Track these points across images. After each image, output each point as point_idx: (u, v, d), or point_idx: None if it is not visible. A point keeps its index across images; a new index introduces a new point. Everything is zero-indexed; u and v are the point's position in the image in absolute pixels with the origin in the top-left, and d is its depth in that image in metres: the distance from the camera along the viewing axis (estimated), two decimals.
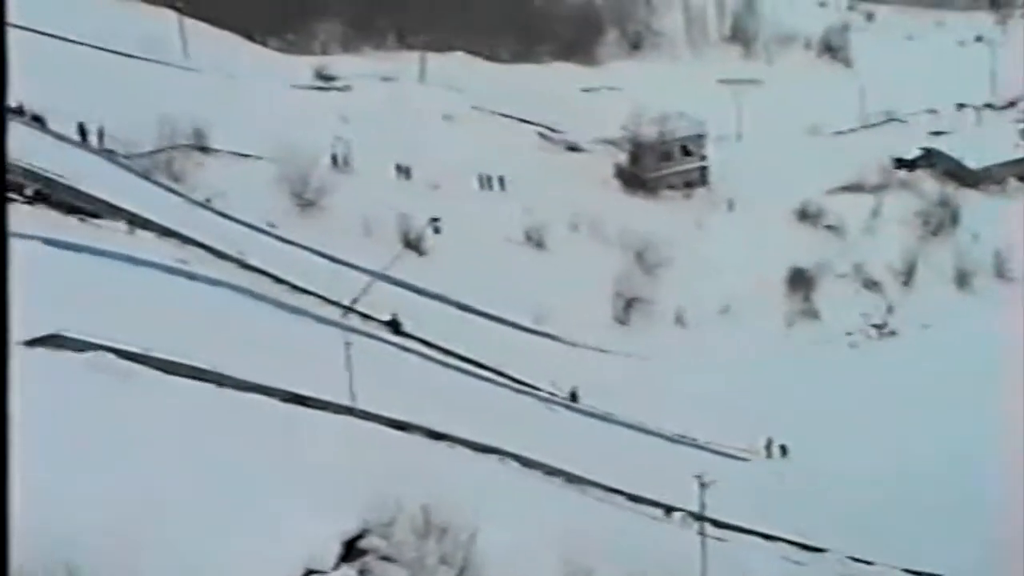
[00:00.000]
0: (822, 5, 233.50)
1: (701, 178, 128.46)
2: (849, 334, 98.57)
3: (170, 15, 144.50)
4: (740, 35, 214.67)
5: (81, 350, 45.47)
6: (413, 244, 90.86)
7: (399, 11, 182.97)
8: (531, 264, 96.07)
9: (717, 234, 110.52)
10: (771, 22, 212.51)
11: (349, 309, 74.99)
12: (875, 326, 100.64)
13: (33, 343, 44.84)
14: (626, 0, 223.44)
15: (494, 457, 55.40)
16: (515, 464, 56.09)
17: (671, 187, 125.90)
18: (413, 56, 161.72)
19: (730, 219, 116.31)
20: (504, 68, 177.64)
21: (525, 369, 76.16)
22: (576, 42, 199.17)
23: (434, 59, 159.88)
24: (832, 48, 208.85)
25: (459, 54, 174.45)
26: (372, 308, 75.97)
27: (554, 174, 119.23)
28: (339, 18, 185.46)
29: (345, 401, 51.12)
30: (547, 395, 74.64)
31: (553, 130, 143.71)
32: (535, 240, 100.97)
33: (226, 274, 70.80)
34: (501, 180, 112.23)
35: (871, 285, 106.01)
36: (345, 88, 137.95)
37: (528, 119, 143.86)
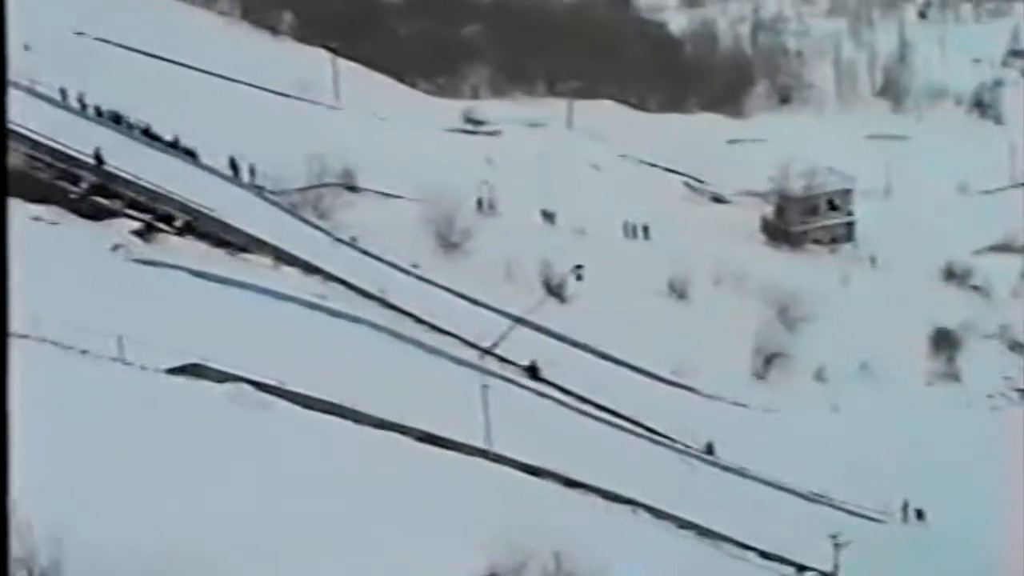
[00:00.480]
0: (976, 61, 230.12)
1: (847, 234, 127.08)
2: (991, 397, 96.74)
3: (324, 55, 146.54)
4: (891, 90, 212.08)
5: (221, 380, 46.14)
6: (555, 290, 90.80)
7: (549, 58, 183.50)
8: (672, 315, 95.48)
9: (861, 291, 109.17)
10: (922, 78, 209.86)
11: (488, 352, 75.24)
12: (1019, 390, 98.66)
13: (174, 372, 45.63)
14: (777, 52, 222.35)
15: (627, 507, 55.20)
16: (648, 515, 55.83)
17: (816, 242, 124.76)
18: (561, 103, 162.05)
19: (874, 276, 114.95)
20: (652, 117, 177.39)
21: (662, 420, 75.73)
22: (725, 93, 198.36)
23: (582, 106, 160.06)
24: (983, 104, 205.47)
25: (607, 102, 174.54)
26: (511, 352, 76.15)
27: (699, 225, 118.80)
28: (489, 63, 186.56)
29: (480, 444, 51.26)
30: (683, 447, 74.15)
31: (699, 181, 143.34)
32: (677, 291, 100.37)
33: (367, 312, 71.49)
34: (646, 229, 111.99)
35: (1017, 348, 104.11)
36: (493, 132, 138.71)
37: (674, 169, 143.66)
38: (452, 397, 56.50)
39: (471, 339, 75.10)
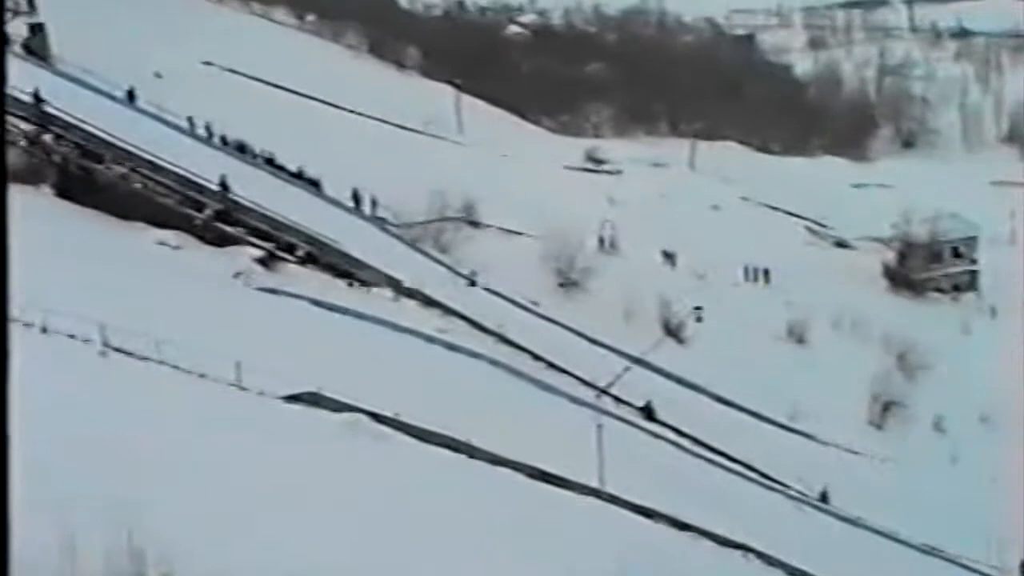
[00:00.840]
0: None
1: (971, 282, 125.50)
2: None
3: (448, 91, 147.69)
4: (1017, 136, 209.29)
5: (337, 410, 46.34)
6: (673, 331, 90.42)
7: (672, 98, 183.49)
8: (790, 359, 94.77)
9: (983, 340, 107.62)
10: None
11: (604, 392, 74.99)
12: None
13: (291, 399, 45.93)
14: (902, 97, 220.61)
15: (738, 552, 54.63)
16: (758, 561, 55.19)
17: (939, 290, 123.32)
18: (684, 143, 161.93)
19: (995, 325, 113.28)
20: (775, 159, 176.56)
21: (776, 465, 75.09)
22: (849, 137, 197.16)
23: (705, 147, 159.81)
24: None
25: (730, 143, 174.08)
26: (627, 392, 75.86)
27: (820, 270, 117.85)
28: (612, 102, 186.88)
29: (593, 483, 51.04)
30: (797, 494, 73.42)
31: (821, 225, 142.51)
32: (796, 335, 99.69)
33: (485, 347, 71.59)
34: (766, 273, 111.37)
35: None
36: (615, 171, 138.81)
37: (797, 212, 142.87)
38: (567, 435, 56.36)
39: (587, 378, 74.92)
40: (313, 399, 46.69)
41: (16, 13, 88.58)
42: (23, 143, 76.22)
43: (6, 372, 4.49)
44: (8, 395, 4.51)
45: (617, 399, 74.88)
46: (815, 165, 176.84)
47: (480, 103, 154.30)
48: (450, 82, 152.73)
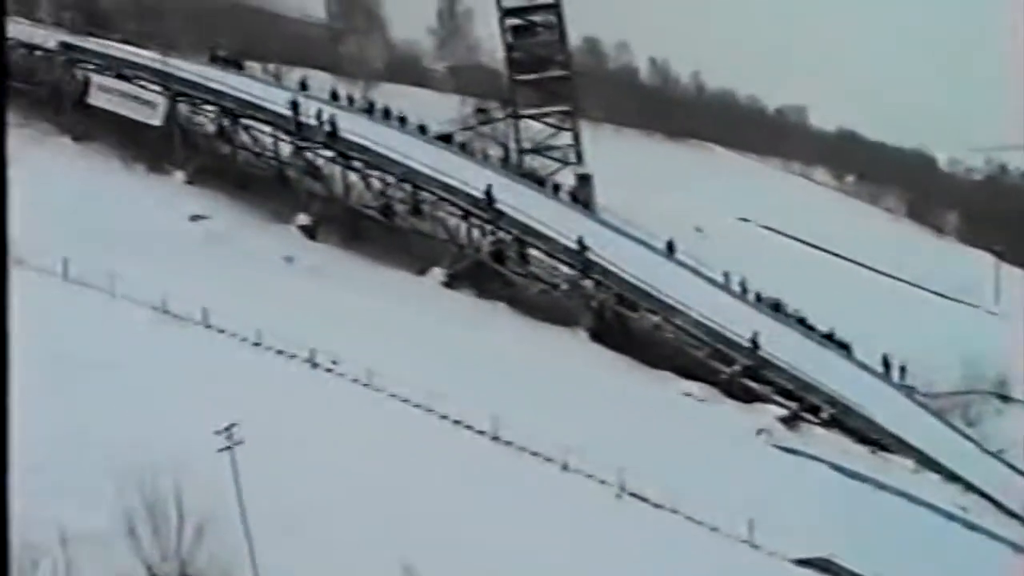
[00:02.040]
0: None
1: None
2: None
3: (987, 259, 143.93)
4: None
5: None
6: None
7: None
8: None
9: None
10: None
11: None
12: None
13: (803, 563, 45.60)
14: None
15: None
16: None
17: None
18: None
19: None
20: None
21: None
22: None
23: None
24: None
25: None
26: None
27: None
28: None
29: None
30: None
31: None
32: None
33: (1008, 530, 68.77)
34: None
35: None
36: None
37: None
38: None
39: None
40: (825, 565, 46.22)
41: (565, 164, 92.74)
42: (564, 287, 79.28)
43: (6, 374, 4.67)
44: (8, 395, 4.67)
45: None
46: None
47: (1019, 272, 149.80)
48: (990, 249, 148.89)
